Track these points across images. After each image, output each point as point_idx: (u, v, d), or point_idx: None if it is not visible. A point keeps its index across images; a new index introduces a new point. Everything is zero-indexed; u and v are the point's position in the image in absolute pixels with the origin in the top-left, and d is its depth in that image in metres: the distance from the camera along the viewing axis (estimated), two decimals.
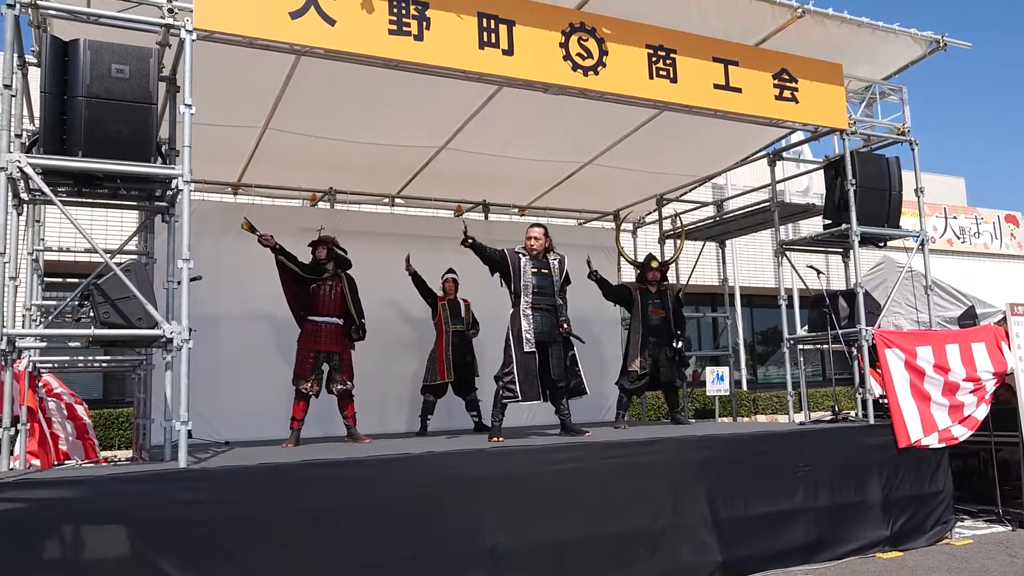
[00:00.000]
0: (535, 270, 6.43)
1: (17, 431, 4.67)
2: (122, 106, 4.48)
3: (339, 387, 6.76)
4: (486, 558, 4.87)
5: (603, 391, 8.89)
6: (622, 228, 10.19)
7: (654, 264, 7.95)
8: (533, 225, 6.63)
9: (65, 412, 6.92)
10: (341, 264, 7.04)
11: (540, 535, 5.04)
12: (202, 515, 4.27)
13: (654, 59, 6.25)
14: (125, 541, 4.07)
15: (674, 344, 7.75)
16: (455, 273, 8.18)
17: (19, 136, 4.76)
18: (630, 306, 7.94)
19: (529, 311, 6.33)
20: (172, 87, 5.15)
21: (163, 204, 5.10)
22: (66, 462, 6.20)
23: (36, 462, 5.40)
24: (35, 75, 4.81)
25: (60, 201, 4.62)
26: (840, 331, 7.07)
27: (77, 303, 4.91)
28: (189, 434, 4.54)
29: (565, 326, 6.43)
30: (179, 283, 4.67)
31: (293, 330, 7.08)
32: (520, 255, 6.47)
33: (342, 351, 6.83)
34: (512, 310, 6.42)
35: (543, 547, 5.03)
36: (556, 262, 6.57)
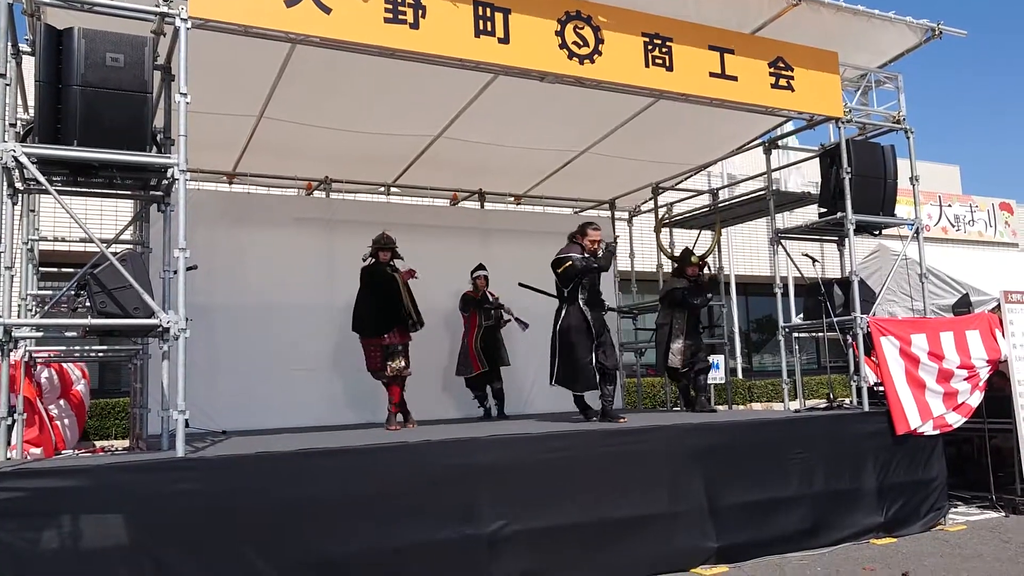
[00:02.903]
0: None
1: (14, 421, 4.67)
2: (117, 95, 4.47)
3: (393, 365, 6.85)
4: (485, 544, 4.90)
5: None
6: (618, 217, 10.24)
7: (693, 259, 8.09)
8: (598, 227, 6.67)
9: (59, 389, 6.92)
10: (393, 257, 7.14)
11: (538, 521, 5.06)
12: (200, 504, 4.28)
13: (650, 47, 6.23)
14: (123, 530, 4.08)
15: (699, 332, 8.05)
16: (485, 269, 8.22)
17: (14, 125, 4.75)
18: (677, 307, 7.99)
19: (586, 307, 6.51)
20: (167, 76, 5.13)
21: (158, 193, 5.09)
22: (63, 452, 6.21)
23: (36, 451, 5.41)
24: (29, 64, 4.79)
25: (55, 190, 4.60)
26: (835, 319, 7.09)
27: (73, 293, 4.91)
28: (186, 423, 4.55)
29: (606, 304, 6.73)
30: (175, 272, 4.67)
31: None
32: (586, 255, 6.54)
33: (403, 343, 6.94)
34: (568, 306, 6.55)
35: (541, 533, 5.05)
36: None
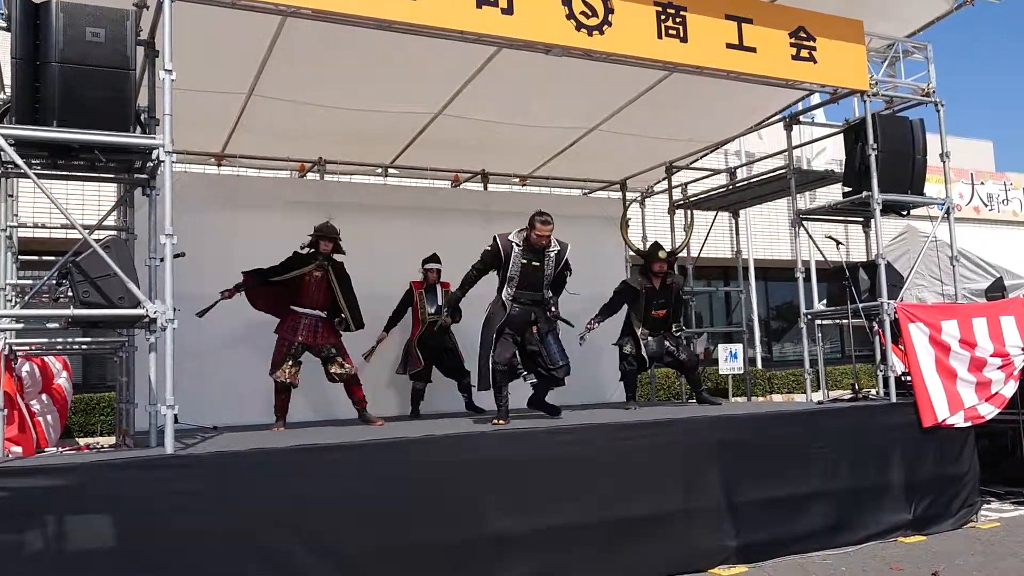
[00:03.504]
0: (525, 262, 6.36)
1: None
2: (98, 72, 4.46)
3: (339, 372, 6.80)
4: (491, 544, 4.93)
5: (601, 373, 8.91)
6: (629, 198, 10.20)
7: (661, 255, 7.74)
8: (547, 220, 6.37)
9: (40, 384, 6.95)
10: (335, 250, 7.02)
11: (546, 520, 5.08)
12: (191, 503, 4.30)
13: (663, 17, 6.19)
14: (110, 531, 4.11)
15: (673, 332, 7.80)
16: (439, 263, 8.20)
17: None
18: (633, 303, 7.79)
19: (511, 302, 6.35)
20: (151, 52, 5.12)
21: (143, 176, 5.08)
22: (46, 450, 6.24)
23: (17, 449, 5.44)
24: (4, 40, 4.78)
25: (35, 174, 4.60)
26: (860, 305, 7.07)
27: (55, 282, 4.92)
28: (175, 419, 4.56)
29: (553, 309, 6.53)
30: (162, 260, 4.68)
31: None
32: (514, 244, 6.37)
33: (331, 342, 6.84)
34: (496, 295, 6.47)
35: (550, 533, 5.08)
36: (554, 254, 6.46)
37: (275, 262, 7.44)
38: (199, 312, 6.58)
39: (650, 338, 7.68)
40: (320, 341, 6.82)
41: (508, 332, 6.33)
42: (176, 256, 4.67)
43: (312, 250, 6.96)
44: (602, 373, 8.87)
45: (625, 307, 7.84)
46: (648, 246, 8.17)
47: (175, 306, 4.63)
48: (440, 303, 8.11)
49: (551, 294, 6.56)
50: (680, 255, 9.80)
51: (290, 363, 6.73)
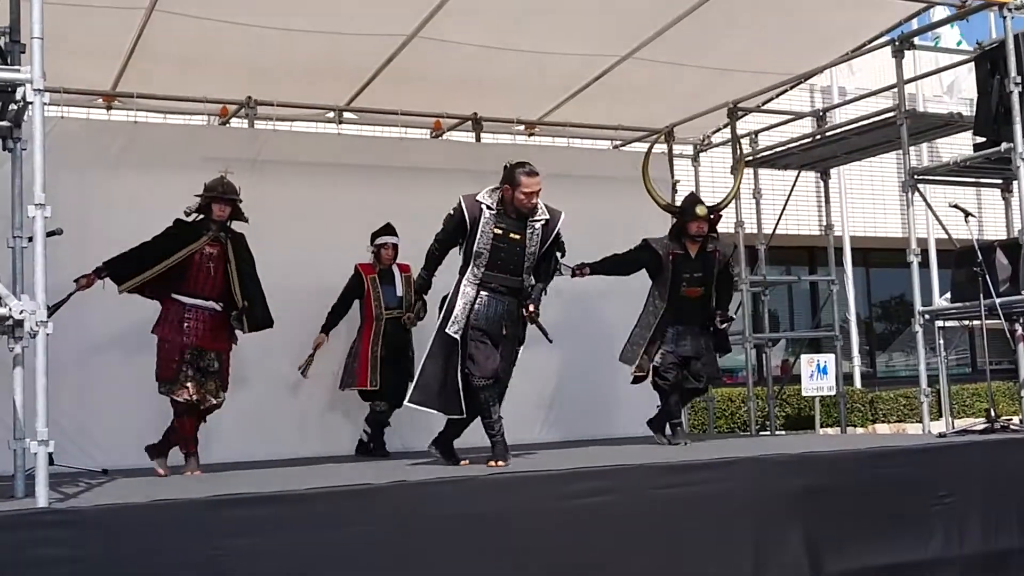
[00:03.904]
0: (500, 232, 6.24)
1: None
2: None
3: (210, 401, 6.72)
4: None
5: (637, 394, 8.90)
6: (678, 152, 10.20)
7: (700, 211, 7.57)
8: (531, 172, 6.25)
9: None
10: (233, 216, 6.95)
11: None
12: (71, 574, 4.31)
13: None
14: None
15: (717, 324, 7.69)
16: (395, 235, 8.13)
17: None
18: (655, 273, 7.73)
19: (473, 288, 6.25)
20: None
21: (4, 124, 5.09)
22: None
23: None
24: None
25: None
26: (998, 300, 7.07)
27: None
28: (51, 459, 4.57)
29: (531, 308, 6.34)
30: (30, 239, 4.68)
31: None
32: (484, 207, 6.25)
33: (219, 348, 6.80)
34: (459, 277, 6.34)
35: None
36: (540, 224, 6.34)
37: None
38: (49, 308, 6.48)
39: (680, 328, 7.57)
40: (212, 344, 6.74)
41: (479, 333, 6.18)
42: (51, 234, 4.67)
43: (201, 217, 6.86)
44: (639, 395, 8.86)
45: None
46: (683, 200, 8.05)
47: (50, 304, 4.63)
48: (400, 292, 8.05)
49: (533, 282, 6.41)
50: (747, 228, 9.82)
51: (189, 373, 6.61)
